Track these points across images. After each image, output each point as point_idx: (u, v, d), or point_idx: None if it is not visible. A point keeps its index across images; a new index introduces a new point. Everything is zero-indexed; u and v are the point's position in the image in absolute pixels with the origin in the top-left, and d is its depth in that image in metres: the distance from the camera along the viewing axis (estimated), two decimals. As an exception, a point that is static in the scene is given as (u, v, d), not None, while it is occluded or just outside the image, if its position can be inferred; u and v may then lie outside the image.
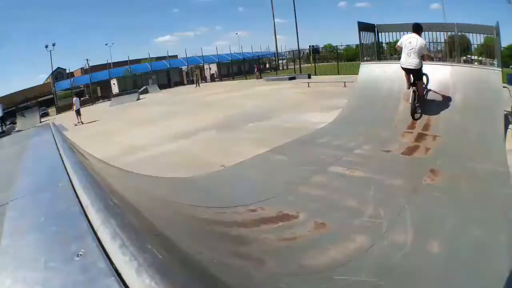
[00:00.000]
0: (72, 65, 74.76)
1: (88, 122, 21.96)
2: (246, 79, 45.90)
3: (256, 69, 47.97)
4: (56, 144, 3.35)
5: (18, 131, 24.10)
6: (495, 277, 3.17)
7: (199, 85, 43.75)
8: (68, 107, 42.10)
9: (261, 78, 41.50)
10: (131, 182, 4.98)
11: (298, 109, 14.49)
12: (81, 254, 1.24)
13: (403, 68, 8.89)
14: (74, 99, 25.90)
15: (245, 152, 8.08)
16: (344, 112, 10.42)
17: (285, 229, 4.19)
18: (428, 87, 9.32)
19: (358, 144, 7.68)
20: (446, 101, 8.76)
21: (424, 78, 9.29)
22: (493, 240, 3.76)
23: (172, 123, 15.09)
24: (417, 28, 8.89)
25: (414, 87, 8.78)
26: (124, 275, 1.10)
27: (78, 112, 23.69)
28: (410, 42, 8.70)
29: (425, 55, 8.84)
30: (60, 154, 2.79)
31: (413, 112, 8.64)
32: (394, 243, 3.82)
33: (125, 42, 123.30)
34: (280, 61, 63.37)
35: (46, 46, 52.49)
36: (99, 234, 1.35)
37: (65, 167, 2.34)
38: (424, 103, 9.06)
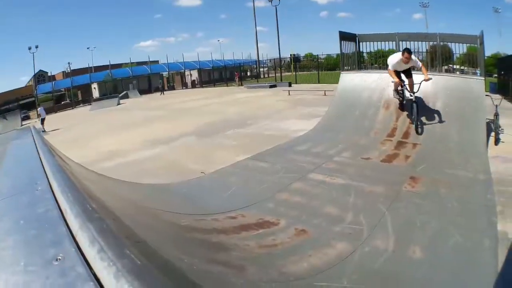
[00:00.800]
0: (54, 68, 74.08)
1: (57, 129, 21.55)
2: (227, 86, 45.88)
3: (236, 77, 48.04)
4: (36, 147, 3.29)
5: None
6: (477, 282, 3.19)
7: (163, 93, 44.32)
8: (49, 110, 41.66)
9: (242, 85, 41.50)
10: (109, 187, 4.89)
11: (279, 117, 14.51)
12: (59, 259, 1.22)
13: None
14: (39, 108, 26.15)
15: (225, 159, 8.04)
16: (323, 120, 10.46)
17: (266, 236, 4.15)
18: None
19: (338, 152, 7.70)
20: (426, 109, 8.86)
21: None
22: (475, 246, 3.78)
23: (152, 129, 14.97)
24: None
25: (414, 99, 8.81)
26: (102, 280, 1.07)
27: (42, 121, 23.85)
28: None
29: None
30: (39, 157, 2.74)
31: (416, 127, 8.49)
32: (375, 249, 3.82)
33: (107, 46, 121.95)
34: (262, 69, 63.54)
35: (29, 48, 51.99)
36: (77, 238, 1.32)
37: (44, 170, 2.29)
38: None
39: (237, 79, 47.17)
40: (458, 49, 16.04)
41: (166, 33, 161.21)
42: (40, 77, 58.15)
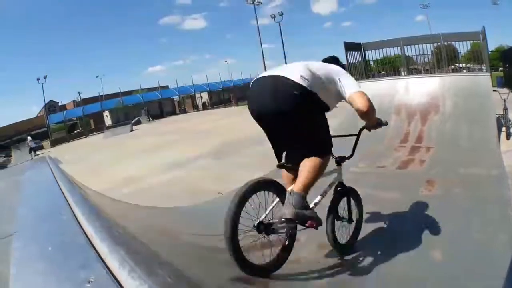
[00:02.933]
0: (64, 98, 75.18)
1: (72, 159, 21.73)
2: (238, 106, 46.13)
3: (233, 99, 48.51)
4: (54, 176, 3.39)
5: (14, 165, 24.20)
6: (496, 278, 3.23)
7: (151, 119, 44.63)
8: (62, 140, 42.31)
9: (238, 106, 41.64)
10: (129, 213, 5.03)
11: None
12: (91, 281, 1.28)
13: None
14: (28, 138, 27.04)
15: (243, 178, 8.11)
16: (336, 131, 10.47)
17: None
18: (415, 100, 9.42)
19: (354, 162, 7.73)
20: (436, 111, 8.89)
21: None
22: (492, 241, 3.83)
23: (166, 154, 15.13)
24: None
25: None
26: None
27: (31, 150, 24.81)
28: None
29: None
30: (59, 186, 2.82)
31: None
32: (396, 256, 3.87)
33: (116, 73, 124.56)
34: (272, 86, 63.66)
35: (38, 79, 52.41)
36: (107, 261, 1.39)
37: (66, 199, 2.38)
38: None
39: (233, 101, 47.27)
40: (463, 47, 16.07)
41: (174, 56, 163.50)
42: (51, 107, 58.80)
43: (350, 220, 3.92)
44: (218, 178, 9.18)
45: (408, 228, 4.52)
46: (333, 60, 3.88)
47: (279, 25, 56.72)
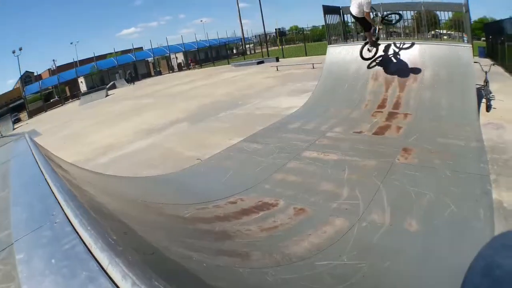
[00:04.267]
0: (40, 67, 73.00)
1: (49, 128, 21.34)
2: (214, 65, 45.51)
3: (190, 62, 47.90)
4: (38, 164, 3.27)
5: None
6: (473, 252, 3.30)
7: (133, 83, 43.06)
8: (39, 110, 41.52)
9: (196, 68, 40.81)
10: (110, 187, 4.99)
11: (269, 95, 14.51)
12: None
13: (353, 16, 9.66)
14: None
15: (220, 143, 8.10)
16: (313, 96, 10.51)
17: (266, 218, 4.28)
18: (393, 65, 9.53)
19: (330, 127, 7.78)
20: (415, 78, 8.92)
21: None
22: (470, 216, 3.89)
23: (143, 118, 14.91)
24: None
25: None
26: None
27: None
28: None
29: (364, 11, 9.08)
30: (45, 178, 2.74)
31: (361, 52, 9.81)
32: (373, 223, 3.94)
33: (90, 38, 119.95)
34: (247, 46, 63.03)
35: (13, 52, 50.87)
36: (109, 273, 1.42)
37: (54, 195, 2.33)
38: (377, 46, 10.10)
39: (192, 65, 46.37)
40: (444, 15, 16.04)
41: (148, 18, 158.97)
42: (27, 78, 57.10)
43: None
44: (196, 143, 9.13)
45: (383, 197, 4.57)
46: None
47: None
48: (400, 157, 5.79)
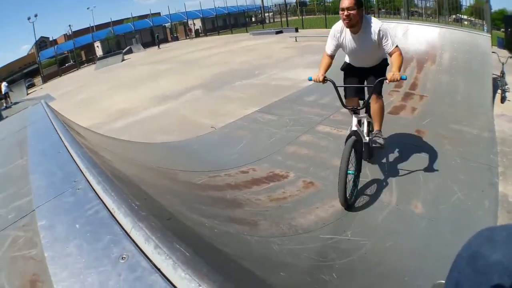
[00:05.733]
0: (55, 33, 72.65)
1: (64, 92, 21.47)
2: (232, 33, 45.13)
3: (189, 31, 47.19)
4: (56, 130, 3.33)
5: (8, 107, 23.68)
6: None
7: (159, 47, 41.87)
8: (54, 74, 41.56)
9: (193, 37, 40.01)
10: (127, 152, 5.14)
11: (286, 65, 14.45)
12: (124, 257, 1.42)
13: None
14: (2, 84, 26.28)
15: (235, 112, 8.17)
16: (331, 69, 10.41)
17: (276, 189, 4.39)
18: (412, 45, 9.27)
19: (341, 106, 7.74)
20: (433, 61, 8.83)
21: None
22: (475, 205, 3.93)
23: (159, 84, 14.96)
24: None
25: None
26: (163, 271, 1.31)
27: (6, 96, 24.31)
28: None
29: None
30: (65, 145, 2.83)
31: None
32: (379, 202, 4.02)
33: (107, 4, 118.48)
34: (267, 14, 62.31)
35: (29, 18, 50.66)
36: (133, 237, 1.52)
37: (75, 162, 2.42)
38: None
39: (190, 33, 45.15)
40: (466, 1, 15.86)
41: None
42: (42, 43, 56.91)
43: None
44: (210, 111, 9.19)
45: (391, 177, 4.62)
46: None
47: None
48: (412, 138, 5.81)
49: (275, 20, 55.62)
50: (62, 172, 2.41)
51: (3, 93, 25.11)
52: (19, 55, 66.09)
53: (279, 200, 4.08)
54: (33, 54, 53.73)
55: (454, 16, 20.56)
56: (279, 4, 54.54)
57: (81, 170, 2.27)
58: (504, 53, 11.58)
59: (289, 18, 46.94)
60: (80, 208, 1.87)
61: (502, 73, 8.57)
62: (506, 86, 8.35)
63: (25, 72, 46.95)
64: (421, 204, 3.96)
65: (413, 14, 18.95)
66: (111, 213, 1.73)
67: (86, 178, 2.15)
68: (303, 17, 41.51)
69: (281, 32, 32.79)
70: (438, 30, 9.42)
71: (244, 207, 3.76)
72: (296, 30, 31.52)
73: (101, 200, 1.86)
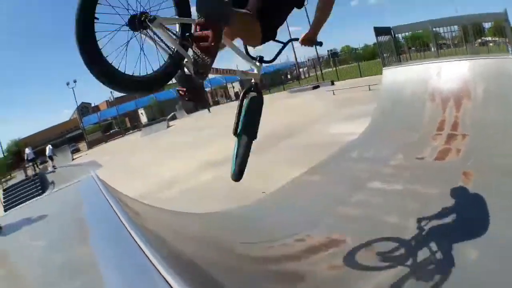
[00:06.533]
0: (96, 99, 76.07)
1: (111, 159, 22.12)
2: (270, 93, 45.90)
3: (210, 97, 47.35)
4: (116, 213, 3.35)
5: (52, 171, 24.51)
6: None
7: (209, 110, 40.52)
8: (99, 140, 42.86)
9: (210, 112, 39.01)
10: (180, 227, 5.28)
11: (327, 121, 14.59)
12: None
13: None
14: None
15: (282, 175, 8.31)
16: (372, 121, 10.49)
17: (335, 256, 4.36)
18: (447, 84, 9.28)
19: (392, 154, 7.79)
20: (469, 97, 8.80)
21: None
22: None
23: (205, 150, 15.24)
24: None
25: None
26: None
27: (50, 158, 26.34)
28: None
29: None
30: (127, 229, 2.86)
31: None
32: (445, 256, 3.97)
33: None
34: (301, 69, 63.25)
35: (67, 84, 52.70)
36: None
37: (145, 254, 2.42)
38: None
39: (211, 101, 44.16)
40: (487, 24, 16.10)
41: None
42: (84, 109, 59.32)
43: None
44: (258, 174, 9.36)
45: (444, 226, 4.58)
46: None
47: (305, 8, 56.35)
48: (461, 182, 5.75)
49: (310, 74, 56.40)
50: (131, 264, 2.46)
51: (47, 155, 26.03)
52: (60, 120, 68.17)
53: (339, 267, 4.08)
54: (75, 119, 55.58)
55: (479, 40, 20.46)
56: (312, 58, 55.45)
57: (150, 261, 2.28)
58: None
59: (323, 71, 47.45)
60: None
61: None
62: None
63: (68, 137, 48.36)
64: (476, 251, 3.87)
65: (441, 47, 18.98)
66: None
67: (156, 269, 2.16)
68: (337, 67, 41.87)
69: (317, 87, 33.10)
70: (467, 64, 9.42)
71: (304, 279, 3.81)
72: (332, 83, 31.85)
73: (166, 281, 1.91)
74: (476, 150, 6.84)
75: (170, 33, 2.48)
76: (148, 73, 2.59)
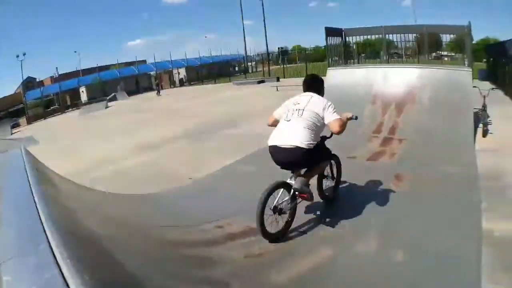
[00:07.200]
0: (42, 74, 73.31)
1: (47, 138, 21.37)
2: (215, 83, 45.64)
3: (161, 82, 47.53)
4: (30, 185, 3.18)
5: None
6: (462, 284, 3.23)
7: (159, 93, 38.82)
8: (39, 116, 41.52)
9: (160, 95, 37.68)
10: (99, 205, 4.97)
11: (268, 115, 14.43)
12: None
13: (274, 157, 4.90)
14: None
15: (214, 163, 8.05)
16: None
17: (252, 245, 4.23)
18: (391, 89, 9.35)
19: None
20: (413, 103, 8.90)
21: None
22: (459, 246, 3.84)
23: (140, 134, 14.91)
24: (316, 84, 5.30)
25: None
26: None
27: None
28: (297, 102, 4.98)
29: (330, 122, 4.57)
30: (35, 201, 2.69)
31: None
32: (359, 253, 3.88)
33: (95, 48, 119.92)
34: (250, 64, 63.38)
35: (17, 56, 51.42)
36: None
37: (42, 224, 2.28)
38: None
39: (158, 87, 41.90)
40: (446, 37, 16.24)
41: (154, 31, 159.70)
42: (29, 83, 57.37)
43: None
44: (190, 161, 9.10)
45: (371, 226, 4.54)
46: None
47: (262, 1, 56.91)
48: (392, 184, 5.74)
49: (258, 69, 56.58)
50: (28, 230, 2.32)
51: None
52: (6, 93, 65.82)
53: (255, 257, 3.93)
54: (19, 93, 53.87)
55: (434, 54, 21.02)
56: (262, 54, 55.71)
57: (45, 231, 2.16)
58: (486, 85, 11.77)
59: (271, 67, 47.71)
60: (40, 271, 1.77)
61: (484, 106, 8.68)
62: (488, 119, 8.45)
63: (10, 111, 46.96)
64: (402, 251, 3.84)
65: (393, 56, 19.30)
66: (66, 283, 1.63)
67: (48, 240, 2.04)
68: (285, 66, 42.27)
69: (263, 81, 33.08)
70: (417, 71, 9.56)
71: (218, 266, 3.60)
72: (278, 80, 32.00)
73: (59, 267, 1.75)
74: (413, 155, 6.90)
75: None
76: None
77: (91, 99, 46.30)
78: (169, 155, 10.17)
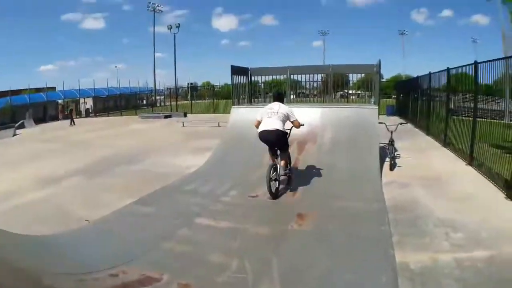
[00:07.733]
0: None
1: None
2: (122, 115, 44.49)
3: (61, 113, 46.25)
4: None
5: None
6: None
7: (73, 122, 36.05)
8: None
9: (74, 125, 35.33)
10: None
11: (170, 151, 14.28)
12: None
13: (263, 137, 7.50)
14: None
15: (112, 202, 7.63)
16: (213, 156, 10.44)
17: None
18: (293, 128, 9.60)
19: (226, 190, 7.66)
20: (314, 141, 9.12)
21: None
22: (371, 283, 3.85)
23: (40, 166, 13.92)
24: (280, 96, 8.16)
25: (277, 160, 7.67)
26: None
27: None
28: (271, 108, 7.60)
29: (293, 121, 7.58)
30: None
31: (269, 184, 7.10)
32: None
33: (9, 70, 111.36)
34: (158, 97, 62.76)
35: None
36: None
37: None
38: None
39: (71, 117, 38.12)
40: (354, 76, 17.06)
41: (68, 56, 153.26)
42: None
43: None
44: (87, 200, 8.58)
45: (273, 269, 4.41)
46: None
47: (174, 36, 57.14)
48: (294, 223, 5.74)
49: (166, 103, 56.08)
50: None
51: None
52: None
53: None
54: None
55: (340, 92, 21.93)
56: (171, 88, 55.47)
57: None
58: (395, 119, 12.38)
59: (179, 102, 47.58)
60: None
61: (391, 141, 9.11)
62: (396, 153, 8.85)
63: None
64: None
65: (299, 95, 19.89)
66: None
67: None
68: (194, 101, 42.45)
69: (170, 116, 33.11)
70: (320, 110, 9.87)
71: None
72: (185, 115, 32.05)
73: None
74: (315, 193, 7.00)
75: None
76: None
77: (1, 125, 43.23)
78: (66, 192, 9.53)
